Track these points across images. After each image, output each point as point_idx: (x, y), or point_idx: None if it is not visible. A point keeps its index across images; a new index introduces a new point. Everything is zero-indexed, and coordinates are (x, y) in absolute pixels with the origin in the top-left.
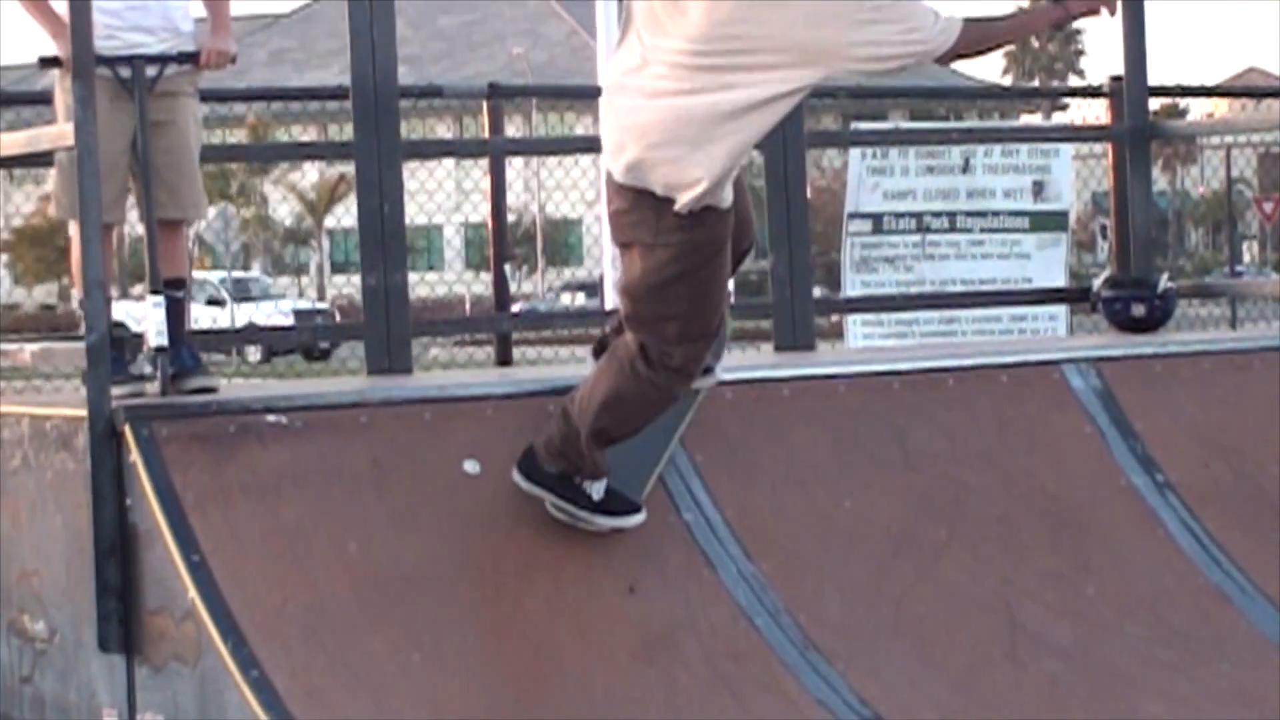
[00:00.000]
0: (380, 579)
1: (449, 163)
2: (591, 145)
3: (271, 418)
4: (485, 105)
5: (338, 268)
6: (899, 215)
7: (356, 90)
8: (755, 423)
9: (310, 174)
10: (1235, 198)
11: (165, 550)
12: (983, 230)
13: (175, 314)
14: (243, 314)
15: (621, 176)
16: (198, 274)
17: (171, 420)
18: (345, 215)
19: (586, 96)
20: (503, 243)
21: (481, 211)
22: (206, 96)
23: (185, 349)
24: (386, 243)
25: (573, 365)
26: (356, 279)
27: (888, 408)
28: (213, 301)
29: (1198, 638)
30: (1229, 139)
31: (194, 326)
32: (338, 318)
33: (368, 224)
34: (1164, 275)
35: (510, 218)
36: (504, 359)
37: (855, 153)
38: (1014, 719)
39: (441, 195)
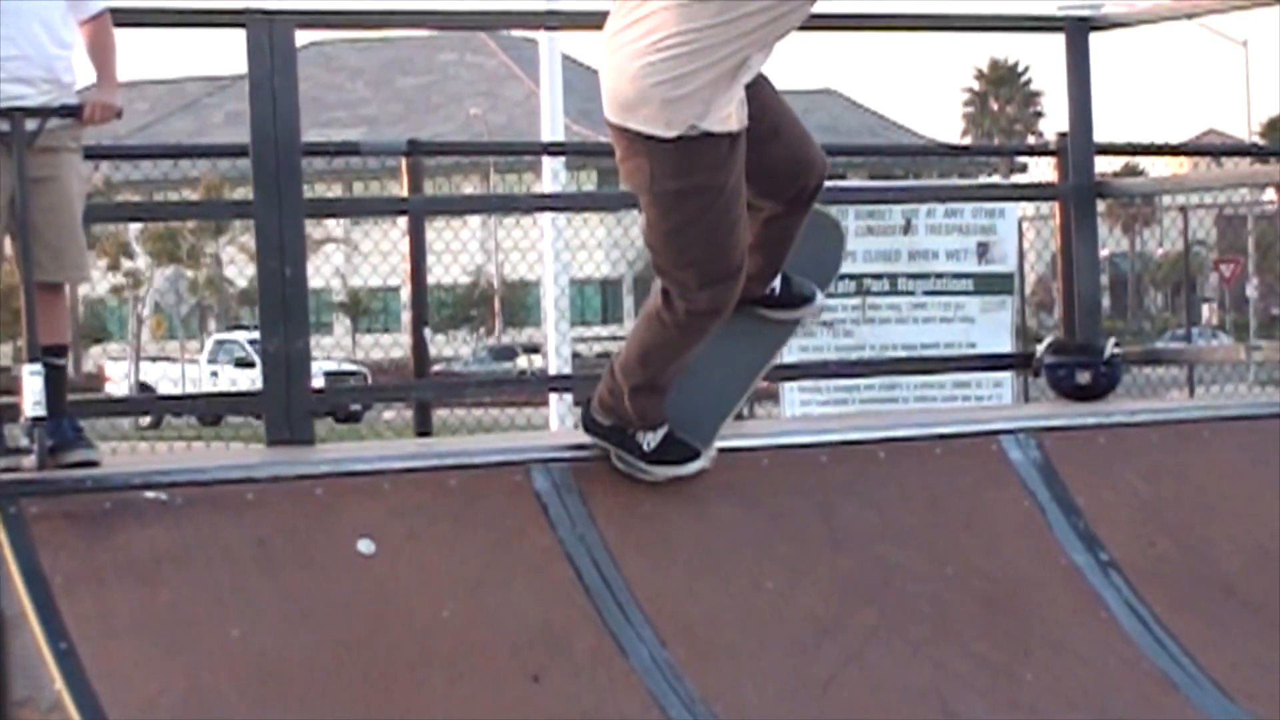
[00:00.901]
0: (264, 668)
1: (403, 223)
2: (521, 205)
3: (151, 494)
4: (404, 163)
5: None
6: (838, 277)
7: (256, 145)
8: (672, 497)
9: None
10: (1194, 259)
11: (31, 637)
12: (925, 293)
13: (55, 383)
14: None
15: (612, 114)
16: (222, 336)
17: (43, 497)
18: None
19: (517, 154)
20: (422, 306)
21: (443, 273)
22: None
23: (66, 420)
24: (287, 307)
25: (499, 433)
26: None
27: (814, 482)
28: (242, 363)
29: None
30: (1185, 199)
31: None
32: (369, 379)
33: (268, 287)
34: (1110, 340)
35: (466, 279)
36: (423, 428)
37: None
38: None
39: (396, 257)
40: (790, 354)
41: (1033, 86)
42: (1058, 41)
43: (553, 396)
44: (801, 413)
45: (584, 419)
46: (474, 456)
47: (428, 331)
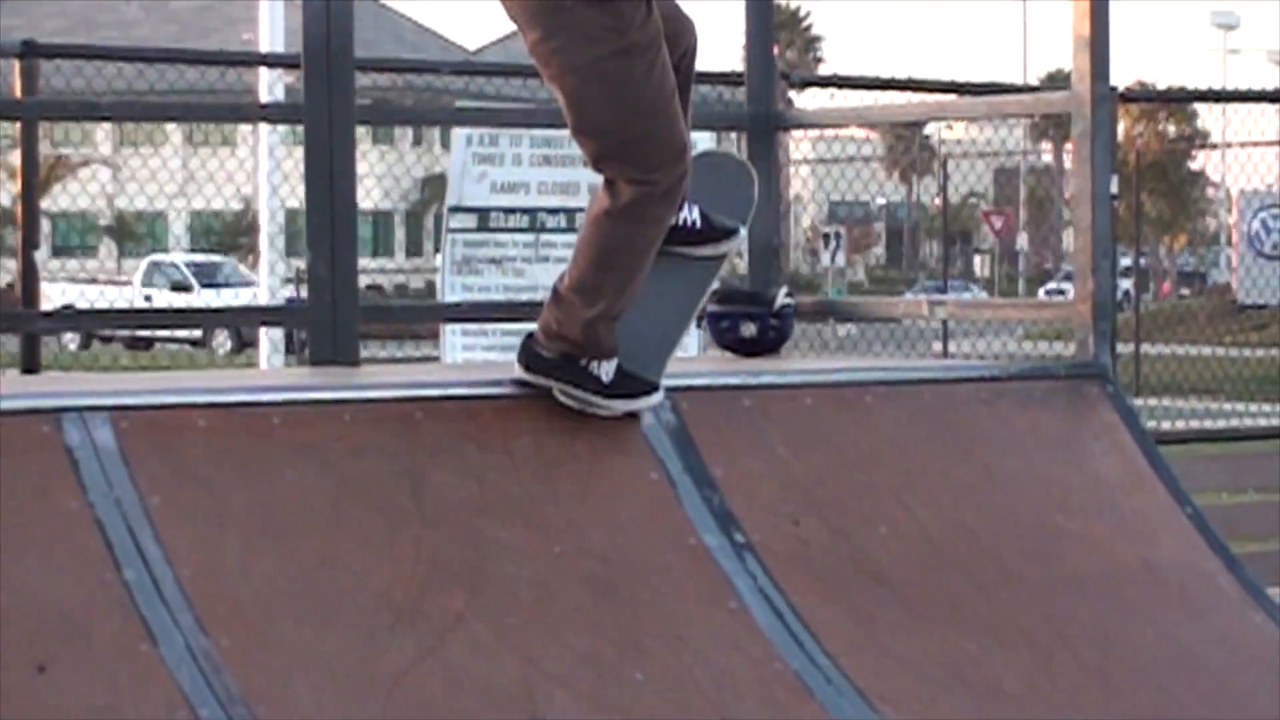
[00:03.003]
0: None
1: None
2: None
3: None
4: (17, 66)
5: (58, 251)
6: (509, 211)
7: None
8: (232, 458)
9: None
10: (967, 210)
11: None
12: None
13: None
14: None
15: None
16: (159, 257)
17: None
18: (63, 196)
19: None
20: (32, 227)
21: (209, 197)
22: None
23: None
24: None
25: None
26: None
27: (405, 443)
28: (178, 286)
29: None
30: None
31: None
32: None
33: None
34: (782, 290)
35: (238, 206)
36: (30, 364)
37: (461, 136)
38: None
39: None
40: (454, 293)
41: (814, 31)
42: None
43: (262, 332)
44: (464, 358)
45: (525, 354)
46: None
47: (38, 255)
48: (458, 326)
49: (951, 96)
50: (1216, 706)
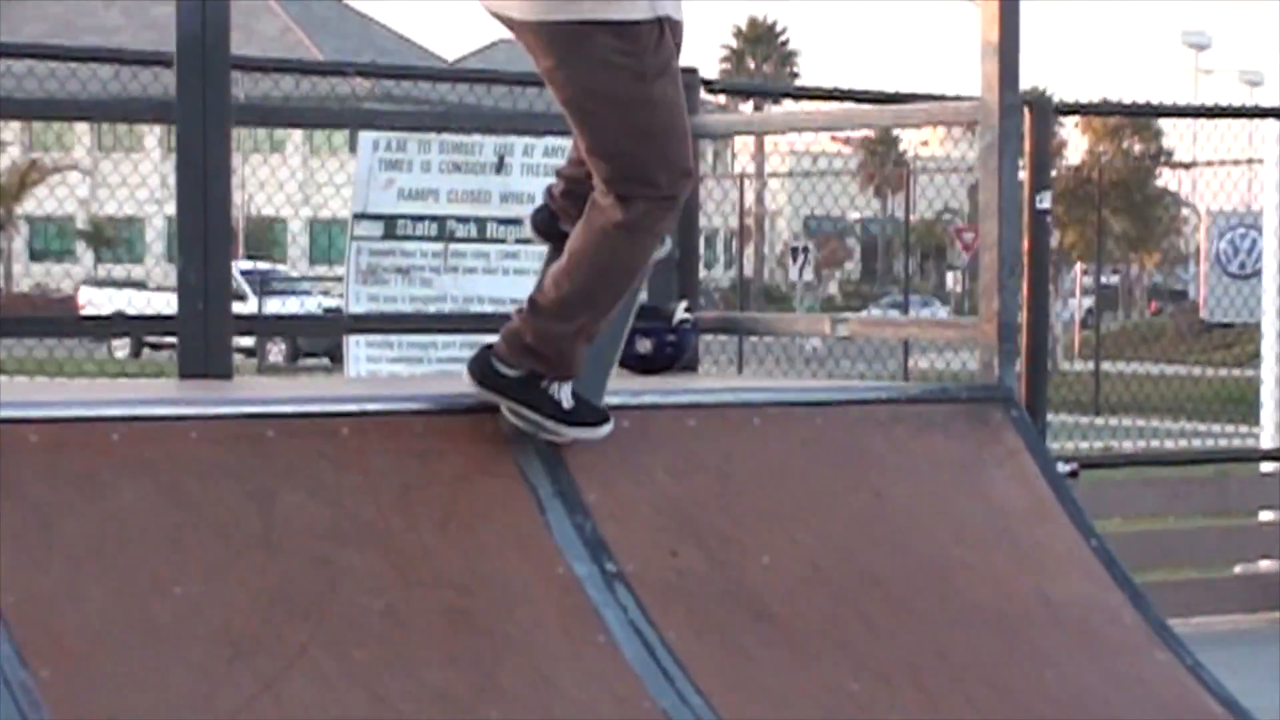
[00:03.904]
0: None
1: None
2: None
3: None
4: None
5: (35, 255)
6: (417, 219)
7: None
8: (66, 476)
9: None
10: (941, 226)
11: None
12: (518, 241)
13: None
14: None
15: (546, 14)
16: None
17: None
18: (47, 201)
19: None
20: None
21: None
22: None
23: None
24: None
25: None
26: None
27: (256, 463)
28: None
29: None
30: (936, 165)
31: None
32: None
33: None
34: (681, 305)
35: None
36: None
37: (367, 141)
38: None
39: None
40: (359, 303)
41: (790, 46)
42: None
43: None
44: (369, 370)
45: (478, 367)
46: None
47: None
48: (362, 338)
49: (866, 105)
50: None
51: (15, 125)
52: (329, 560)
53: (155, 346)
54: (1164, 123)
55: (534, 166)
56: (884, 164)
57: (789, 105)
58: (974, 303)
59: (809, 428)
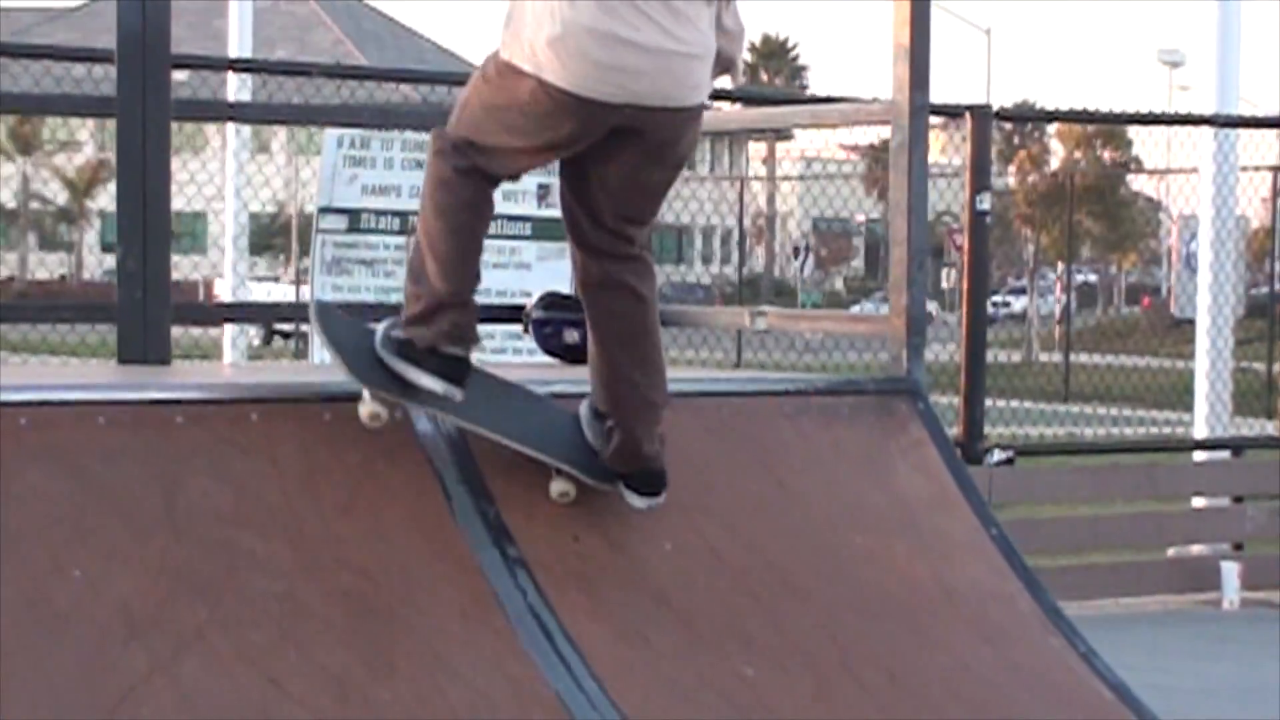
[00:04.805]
0: None
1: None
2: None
3: None
4: None
5: (106, 247)
6: (380, 213)
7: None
8: None
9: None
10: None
11: None
12: None
13: None
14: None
15: (679, 99)
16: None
17: None
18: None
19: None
20: None
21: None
22: None
23: None
24: None
25: None
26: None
27: (163, 449)
28: None
29: None
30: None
31: None
32: None
33: None
34: None
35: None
36: None
37: (332, 138)
38: None
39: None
40: (324, 292)
41: (800, 61)
42: (825, 20)
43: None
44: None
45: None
46: None
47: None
48: None
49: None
50: None
51: (90, 126)
52: (230, 543)
53: (285, 335)
54: (1138, 133)
55: None
56: (887, 170)
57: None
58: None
59: (715, 417)
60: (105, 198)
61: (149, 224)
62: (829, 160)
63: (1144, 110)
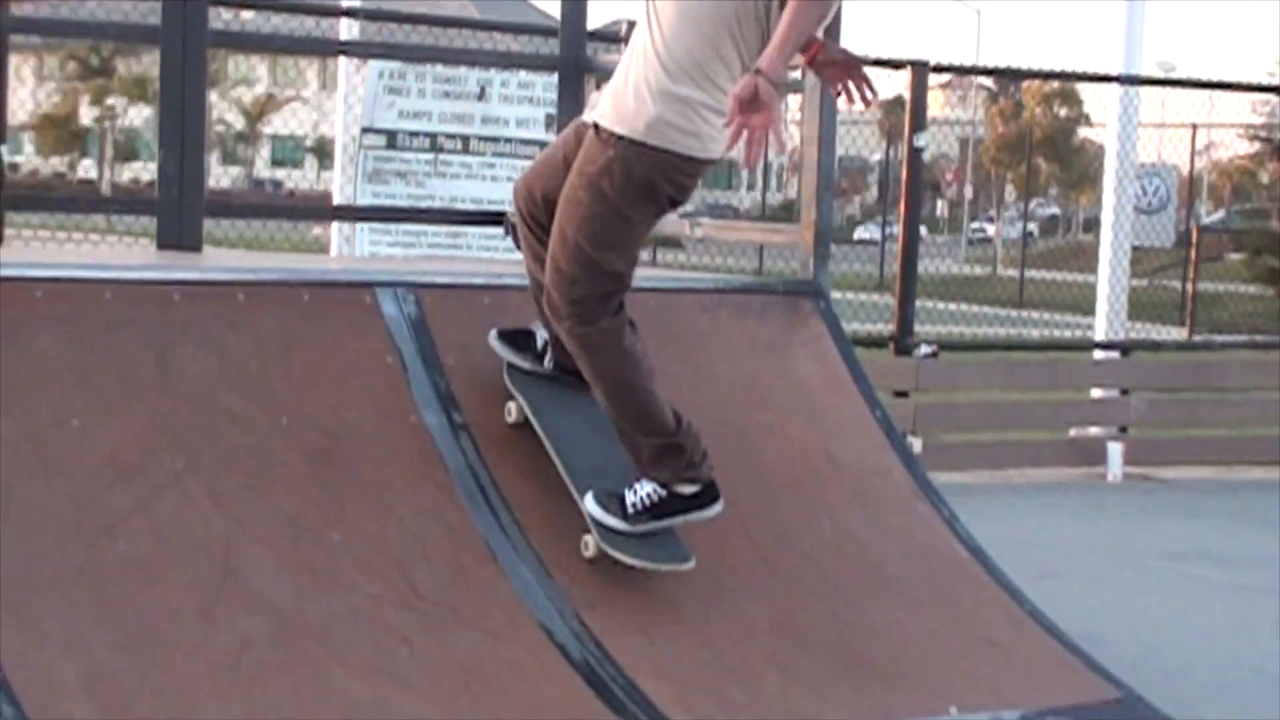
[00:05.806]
0: None
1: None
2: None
3: None
4: None
5: (276, 163)
6: (413, 134)
7: None
8: None
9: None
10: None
11: None
12: (495, 154)
13: None
14: None
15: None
16: None
17: None
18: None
19: None
20: None
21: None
22: None
23: None
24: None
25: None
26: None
27: (158, 321)
28: None
29: (446, 602)
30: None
31: None
32: None
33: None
34: None
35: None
36: None
37: (374, 70)
38: (182, 689)
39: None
40: (365, 198)
41: None
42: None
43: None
44: (370, 252)
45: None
46: None
47: (4, 149)
48: (366, 225)
49: None
50: (871, 586)
51: (264, 66)
52: (211, 403)
53: None
54: (1089, 91)
55: (509, 95)
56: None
57: None
58: (949, 224)
59: (644, 308)
60: (277, 123)
61: (185, 135)
62: (851, 109)
63: (1063, 69)
